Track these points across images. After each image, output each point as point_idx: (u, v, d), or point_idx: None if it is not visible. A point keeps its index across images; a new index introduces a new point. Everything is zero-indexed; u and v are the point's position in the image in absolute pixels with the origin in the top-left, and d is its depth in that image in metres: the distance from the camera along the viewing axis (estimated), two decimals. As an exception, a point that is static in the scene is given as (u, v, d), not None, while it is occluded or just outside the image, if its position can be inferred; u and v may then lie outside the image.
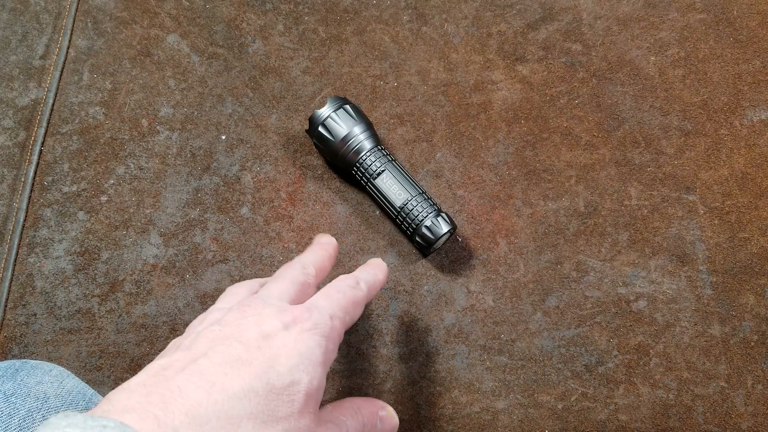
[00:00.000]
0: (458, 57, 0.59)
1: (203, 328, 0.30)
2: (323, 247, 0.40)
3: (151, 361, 0.29)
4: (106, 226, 0.54)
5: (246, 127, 0.57)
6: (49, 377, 0.37)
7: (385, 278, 0.40)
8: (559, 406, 0.49)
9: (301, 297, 0.34)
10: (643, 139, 0.56)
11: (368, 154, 0.51)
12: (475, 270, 0.53)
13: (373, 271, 0.39)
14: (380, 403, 0.35)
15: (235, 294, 0.36)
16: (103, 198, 0.55)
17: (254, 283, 0.37)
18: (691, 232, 0.53)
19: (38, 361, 0.38)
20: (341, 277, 0.36)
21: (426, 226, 0.49)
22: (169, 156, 0.56)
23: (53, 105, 0.57)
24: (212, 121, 0.57)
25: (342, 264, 0.53)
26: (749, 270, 0.52)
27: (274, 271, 0.53)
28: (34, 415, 0.34)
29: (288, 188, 0.55)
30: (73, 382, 0.38)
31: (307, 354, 0.29)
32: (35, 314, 0.51)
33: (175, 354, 0.28)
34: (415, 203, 0.50)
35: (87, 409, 0.36)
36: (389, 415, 0.35)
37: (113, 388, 0.51)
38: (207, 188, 0.55)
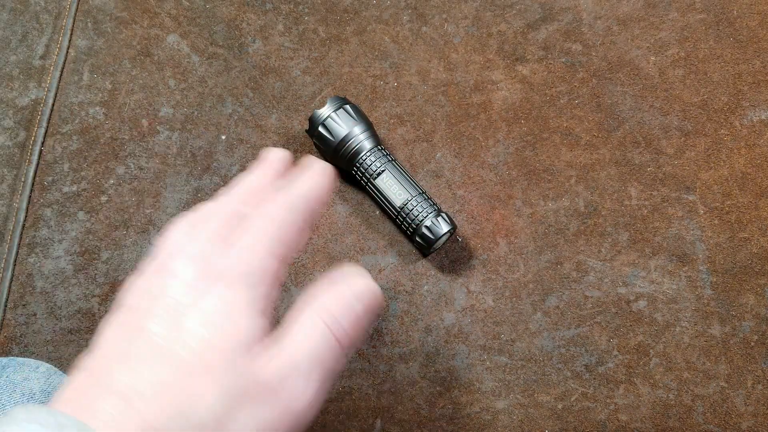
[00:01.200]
0: (458, 57, 0.59)
1: (115, 308, 0.27)
2: (269, 164, 0.33)
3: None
4: (106, 226, 0.54)
5: (246, 127, 0.57)
6: (36, 374, 0.37)
7: (329, 182, 0.31)
8: (559, 406, 0.49)
9: (231, 234, 0.29)
10: (643, 139, 0.56)
11: (368, 154, 0.51)
12: (475, 270, 0.53)
13: (311, 178, 0.31)
14: (342, 276, 0.28)
15: (171, 237, 0.30)
16: (103, 198, 0.55)
17: (193, 217, 0.31)
18: (691, 232, 0.53)
19: (25, 359, 0.38)
20: (272, 198, 0.30)
21: (426, 226, 0.49)
22: (169, 156, 0.56)
23: (53, 105, 0.57)
24: (212, 121, 0.57)
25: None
26: (749, 270, 0.52)
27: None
28: None
29: (288, 188, 0.55)
30: (60, 378, 0.38)
31: (224, 310, 0.25)
32: (35, 314, 0.51)
33: (92, 353, 0.25)
34: (415, 203, 0.50)
35: None
36: (360, 285, 0.27)
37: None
38: (207, 188, 0.55)
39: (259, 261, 0.27)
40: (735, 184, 0.54)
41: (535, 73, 0.58)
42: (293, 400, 0.25)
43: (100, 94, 0.58)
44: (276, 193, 0.30)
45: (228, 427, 0.23)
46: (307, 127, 0.56)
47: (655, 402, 0.49)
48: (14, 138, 0.56)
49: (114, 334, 0.26)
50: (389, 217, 0.53)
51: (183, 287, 0.26)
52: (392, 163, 0.52)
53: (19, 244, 0.53)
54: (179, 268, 0.27)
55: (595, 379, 0.50)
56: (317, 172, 0.31)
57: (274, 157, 0.33)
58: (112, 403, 0.23)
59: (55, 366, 0.40)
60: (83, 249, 0.53)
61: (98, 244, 0.53)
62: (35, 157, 0.55)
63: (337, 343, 0.26)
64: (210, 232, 0.29)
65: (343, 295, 0.27)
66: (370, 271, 0.53)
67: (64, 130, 0.56)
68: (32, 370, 0.37)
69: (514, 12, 0.61)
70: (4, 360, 0.37)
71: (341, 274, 0.28)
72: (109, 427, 0.22)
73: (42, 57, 0.59)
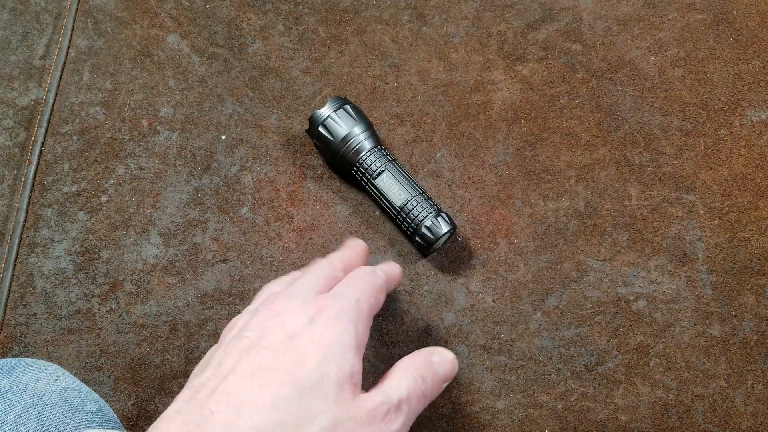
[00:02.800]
0: (458, 57, 0.59)
1: (232, 336, 0.30)
2: (351, 246, 0.41)
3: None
4: (106, 226, 0.54)
5: (246, 127, 0.57)
6: (44, 375, 0.37)
7: (400, 274, 0.41)
8: (559, 406, 0.49)
9: (327, 289, 0.35)
10: (643, 139, 0.56)
11: (368, 154, 0.51)
12: (475, 270, 0.53)
13: (389, 263, 0.40)
14: (429, 349, 0.35)
15: (266, 292, 0.36)
16: (103, 198, 0.55)
17: (288, 278, 0.38)
18: (691, 232, 0.53)
19: (34, 359, 0.39)
20: (358, 268, 0.37)
21: (426, 226, 0.50)
22: (170, 156, 0.56)
23: (53, 105, 0.57)
24: (212, 121, 0.57)
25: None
26: (749, 270, 0.52)
27: (275, 272, 0.53)
28: (30, 411, 0.34)
29: (288, 188, 0.55)
30: (68, 380, 0.38)
31: (334, 343, 0.29)
32: (35, 314, 0.51)
33: (207, 372, 0.29)
34: (415, 203, 0.50)
35: (82, 406, 0.37)
36: (443, 356, 0.35)
37: (113, 388, 0.52)
38: (207, 188, 0.55)
39: (355, 302, 0.32)
40: (735, 184, 0.54)
41: (535, 73, 0.58)
42: (386, 426, 0.29)
43: (101, 94, 0.58)
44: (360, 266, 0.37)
45: None
46: (307, 127, 0.56)
47: (654, 402, 0.49)
48: (14, 138, 0.56)
49: (225, 352, 0.29)
50: (389, 217, 0.53)
51: (301, 321, 0.30)
52: (392, 163, 0.52)
53: (19, 244, 0.53)
54: (296, 308, 0.31)
55: (594, 379, 0.50)
56: (392, 264, 0.41)
57: (354, 243, 0.42)
58: (227, 412, 0.26)
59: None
60: (83, 249, 0.53)
61: (98, 244, 0.53)
62: (35, 157, 0.55)
63: (422, 392, 0.32)
64: (309, 283, 0.34)
65: (429, 361, 0.34)
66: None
67: (64, 130, 0.56)
68: (41, 371, 0.37)
69: (514, 12, 0.61)
70: (13, 361, 0.38)
71: (430, 348, 0.35)
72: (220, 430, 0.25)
73: (42, 57, 0.59)
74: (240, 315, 0.34)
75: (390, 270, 0.39)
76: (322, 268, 0.36)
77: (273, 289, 0.36)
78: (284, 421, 0.26)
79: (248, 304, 0.36)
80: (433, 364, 0.34)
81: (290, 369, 0.28)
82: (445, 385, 0.36)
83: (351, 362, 0.29)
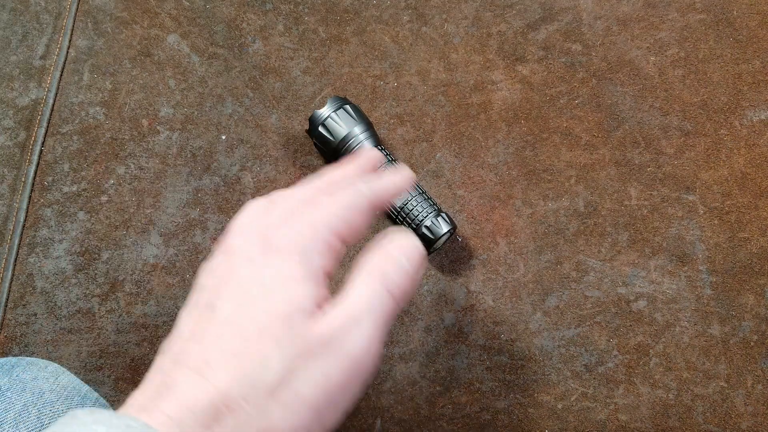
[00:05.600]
0: (458, 57, 0.59)
1: (195, 288, 0.29)
2: (360, 161, 0.35)
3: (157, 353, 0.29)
4: (107, 226, 0.54)
5: (246, 127, 0.57)
6: (44, 373, 0.37)
7: (404, 183, 0.34)
8: (559, 406, 0.49)
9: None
10: (643, 139, 0.56)
11: (368, 154, 0.51)
12: (475, 270, 0.53)
13: (388, 177, 0.33)
14: (384, 239, 0.31)
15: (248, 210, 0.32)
16: (104, 198, 0.55)
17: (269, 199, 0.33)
18: (691, 232, 0.53)
19: (34, 358, 0.39)
20: (340, 180, 0.32)
21: (426, 226, 0.50)
22: (170, 156, 0.56)
23: (53, 105, 0.57)
24: (212, 121, 0.57)
25: (342, 265, 0.53)
26: (749, 270, 0.52)
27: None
28: (30, 409, 0.34)
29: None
30: (68, 379, 0.38)
31: (277, 277, 0.27)
32: (35, 314, 0.51)
33: (173, 335, 0.28)
34: (415, 203, 0.50)
35: (82, 404, 0.37)
36: (403, 243, 0.30)
37: (113, 388, 0.52)
38: (207, 188, 0.55)
39: (317, 235, 0.29)
40: (735, 184, 0.54)
41: (535, 73, 0.58)
42: (351, 348, 0.27)
43: (101, 94, 0.58)
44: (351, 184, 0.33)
45: (293, 384, 0.26)
46: (307, 127, 0.56)
47: (654, 402, 0.49)
48: (14, 138, 0.56)
49: (188, 315, 0.28)
50: (389, 217, 0.53)
51: (244, 263, 0.28)
52: (392, 163, 0.52)
53: (19, 244, 0.53)
54: (242, 246, 0.29)
55: (594, 379, 0.50)
56: (398, 174, 0.34)
57: (365, 155, 0.36)
58: (188, 376, 0.25)
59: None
60: (83, 249, 0.53)
61: (98, 244, 0.53)
62: (35, 157, 0.55)
63: (390, 295, 0.29)
64: (280, 211, 0.31)
65: (392, 254, 0.30)
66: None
67: (65, 130, 0.56)
68: (41, 370, 0.37)
69: (514, 12, 0.61)
70: (14, 359, 0.38)
71: (387, 237, 0.31)
72: (186, 398, 0.24)
73: (42, 57, 0.59)
74: (217, 253, 0.31)
75: (382, 183, 0.32)
76: (300, 190, 0.32)
77: (245, 214, 0.32)
78: (238, 375, 0.25)
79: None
80: (396, 257, 0.30)
81: (238, 319, 0.27)
82: (420, 275, 0.31)
83: (300, 292, 0.27)
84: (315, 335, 0.27)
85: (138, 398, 0.25)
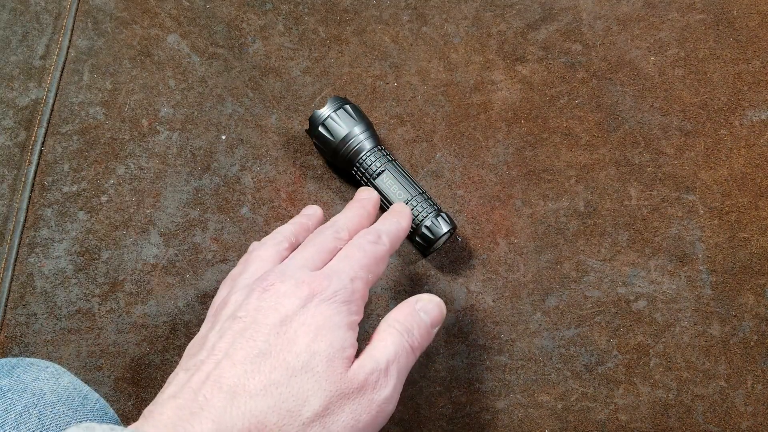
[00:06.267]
0: (458, 57, 0.59)
1: (225, 318, 0.31)
2: (362, 204, 0.40)
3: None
4: (106, 226, 0.54)
5: (246, 127, 0.57)
6: (45, 374, 0.37)
7: (408, 224, 0.39)
8: (559, 406, 0.49)
9: (325, 263, 0.34)
10: (643, 139, 0.56)
11: (368, 154, 0.51)
12: (475, 270, 0.53)
13: (395, 220, 0.38)
14: (412, 298, 0.35)
15: (260, 261, 0.36)
16: (104, 198, 0.55)
17: (280, 240, 0.37)
18: (691, 232, 0.53)
19: (34, 359, 0.39)
20: (361, 232, 0.36)
21: (426, 226, 0.50)
22: (170, 156, 0.56)
23: (53, 105, 0.57)
24: (212, 121, 0.57)
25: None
26: (749, 270, 0.52)
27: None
28: (30, 411, 0.34)
29: (288, 188, 0.55)
30: (68, 380, 0.38)
31: (324, 323, 0.30)
32: (35, 314, 0.51)
33: (201, 354, 0.29)
34: (415, 203, 0.50)
35: (83, 405, 0.37)
36: (427, 302, 0.34)
37: (113, 388, 0.52)
38: (207, 188, 0.55)
39: (349, 282, 0.32)
40: (735, 184, 0.54)
41: (535, 73, 0.58)
42: (376, 393, 0.30)
43: (100, 94, 0.58)
44: (364, 229, 0.37)
45: (325, 422, 0.28)
46: (307, 127, 0.56)
47: (654, 402, 0.49)
48: (14, 138, 0.56)
49: (218, 334, 0.30)
50: (389, 217, 0.53)
51: (288, 301, 0.31)
52: (392, 163, 0.52)
53: (19, 244, 0.53)
54: (282, 287, 0.32)
55: (595, 379, 0.50)
56: (402, 215, 0.39)
57: (367, 197, 0.41)
58: (223, 400, 0.26)
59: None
60: (83, 249, 0.53)
61: (98, 244, 0.53)
62: (35, 157, 0.55)
63: (409, 347, 0.32)
64: (305, 260, 0.34)
65: (413, 310, 0.34)
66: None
67: (64, 130, 0.56)
68: (41, 371, 0.37)
69: (514, 12, 0.61)
70: (14, 360, 0.38)
71: (415, 297, 0.35)
72: (222, 421, 0.26)
73: (42, 57, 0.59)
74: (233, 289, 0.33)
75: (395, 230, 0.37)
76: (323, 239, 0.35)
77: (263, 256, 0.36)
78: (277, 405, 0.26)
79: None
80: (418, 313, 0.34)
81: (281, 353, 0.28)
82: (435, 330, 0.35)
83: (342, 338, 0.30)
84: (350, 379, 0.29)
85: (166, 413, 0.26)
